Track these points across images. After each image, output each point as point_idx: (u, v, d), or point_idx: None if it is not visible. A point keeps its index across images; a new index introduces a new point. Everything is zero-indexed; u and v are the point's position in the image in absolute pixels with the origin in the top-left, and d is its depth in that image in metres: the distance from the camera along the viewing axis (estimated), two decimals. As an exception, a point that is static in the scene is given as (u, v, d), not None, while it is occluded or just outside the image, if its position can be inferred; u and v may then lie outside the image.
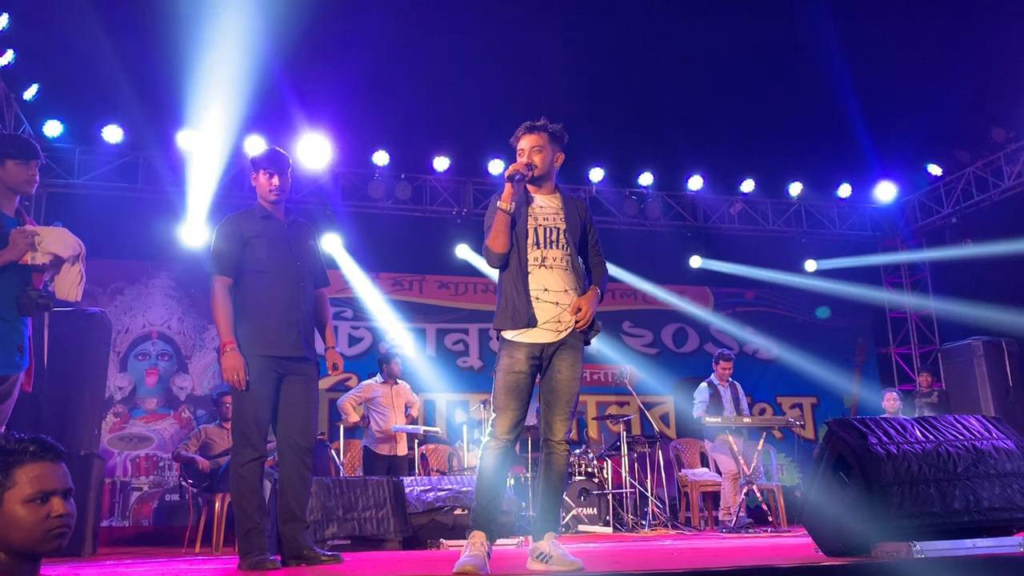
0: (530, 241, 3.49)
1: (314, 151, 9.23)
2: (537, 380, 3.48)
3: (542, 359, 3.42)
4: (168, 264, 9.55)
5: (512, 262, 3.47)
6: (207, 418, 8.93)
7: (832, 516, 3.53)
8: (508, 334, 3.43)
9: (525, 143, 3.55)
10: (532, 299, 3.41)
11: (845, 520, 3.43)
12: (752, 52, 9.02)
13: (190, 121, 8.55)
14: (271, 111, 8.53)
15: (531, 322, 3.37)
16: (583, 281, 3.54)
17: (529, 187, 3.61)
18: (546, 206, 3.58)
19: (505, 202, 3.42)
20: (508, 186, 3.43)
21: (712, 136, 9.98)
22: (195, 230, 8.90)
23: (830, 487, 3.58)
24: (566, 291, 3.46)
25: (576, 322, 3.43)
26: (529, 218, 3.52)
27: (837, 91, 8.82)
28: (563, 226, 3.53)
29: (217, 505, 6.57)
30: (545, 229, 3.51)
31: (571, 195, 3.72)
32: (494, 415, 3.37)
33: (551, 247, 3.49)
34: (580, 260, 3.57)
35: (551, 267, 3.47)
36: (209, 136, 8.51)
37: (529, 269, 3.45)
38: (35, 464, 2.18)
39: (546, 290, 3.44)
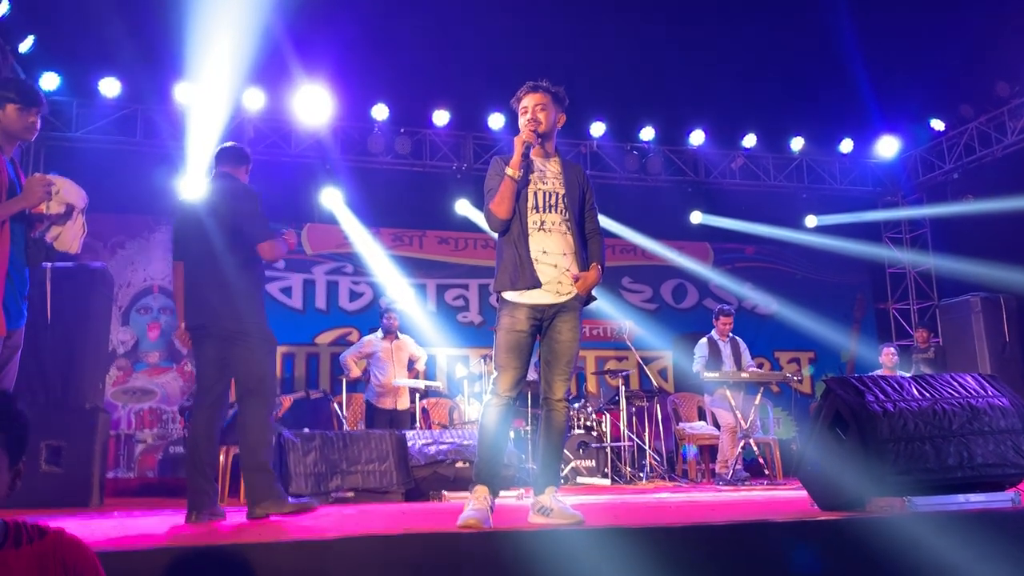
0: (530, 205, 3.51)
1: (313, 104, 9.15)
2: (538, 339, 3.52)
3: (543, 320, 3.45)
4: (169, 218, 9.52)
5: (513, 226, 3.48)
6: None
7: (828, 471, 3.59)
8: (509, 295, 3.46)
9: (529, 101, 3.54)
10: (534, 261, 3.43)
11: (841, 475, 3.49)
12: (754, 3, 8.89)
13: (188, 74, 8.46)
14: (270, 63, 8.43)
15: (535, 283, 3.40)
16: (581, 246, 3.54)
17: (532, 151, 3.59)
18: (546, 170, 3.58)
19: (514, 169, 3.43)
20: (518, 153, 3.43)
21: (714, 90, 9.89)
22: (195, 184, 8.85)
23: (827, 443, 3.63)
24: (564, 254, 3.49)
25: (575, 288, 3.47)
26: (529, 182, 3.52)
27: (840, 44, 8.71)
28: (562, 191, 3.54)
29: (222, 457, 6.65)
30: (545, 193, 3.52)
31: (570, 160, 3.72)
32: (495, 373, 3.41)
33: (550, 211, 3.51)
34: (579, 224, 3.57)
35: (549, 231, 3.49)
36: (208, 89, 8.43)
37: (530, 232, 3.47)
38: None
39: (545, 252, 3.46)
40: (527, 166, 3.52)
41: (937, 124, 10.52)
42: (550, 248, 3.47)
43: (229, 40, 7.74)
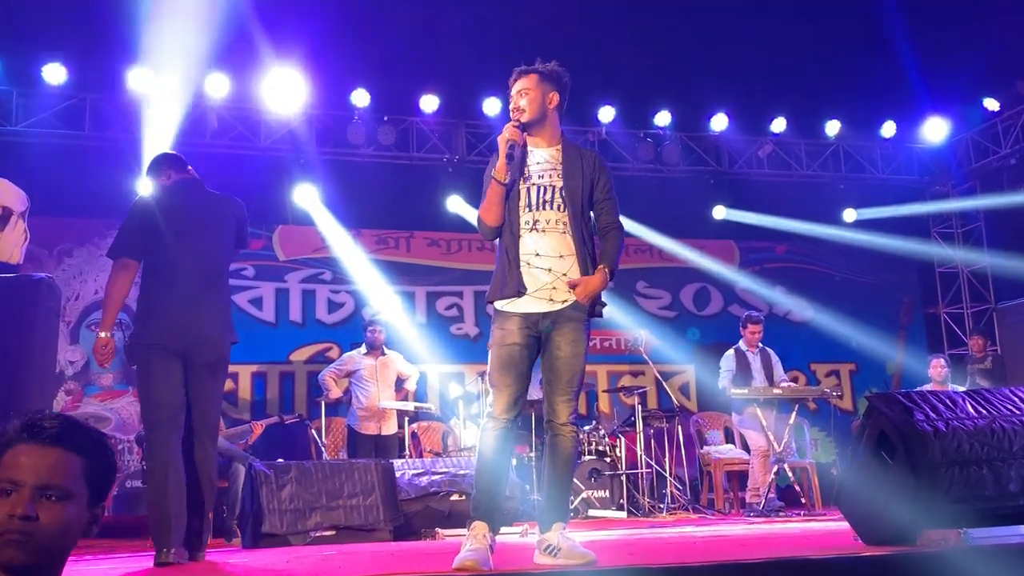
0: (521, 203, 3.51)
1: (285, 91, 9.16)
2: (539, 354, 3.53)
3: (539, 332, 3.45)
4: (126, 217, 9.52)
5: (506, 227, 3.49)
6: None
7: (873, 500, 3.59)
8: (498, 304, 3.48)
9: (515, 87, 3.59)
10: (524, 264, 3.44)
11: (887, 505, 3.48)
12: (783, -29, 8.93)
13: (143, 58, 8.47)
14: (235, 45, 8.44)
15: (520, 290, 3.40)
16: (587, 246, 3.52)
17: (530, 140, 3.60)
18: (542, 161, 3.57)
19: (500, 172, 3.45)
20: (502, 153, 3.45)
21: (738, 69, 9.90)
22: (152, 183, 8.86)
23: (871, 468, 3.63)
24: (561, 256, 3.48)
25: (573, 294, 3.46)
26: (522, 176, 3.52)
27: (880, 14, 8.73)
28: (559, 183, 3.53)
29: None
30: (538, 188, 3.52)
31: (578, 145, 3.71)
32: (491, 394, 3.43)
33: (544, 208, 3.51)
34: (584, 221, 3.55)
35: (543, 231, 3.49)
36: (165, 75, 8.44)
37: (520, 233, 3.48)
38: (20, 447, 1.87)
39: (537, 255, 3.47)
40: (518, 163, 3.53)
41: (991, 104, 10.53)
42: (543, 250, 3.47)
43: (188, 19, 7.75)
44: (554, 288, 3.45)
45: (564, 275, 3.46)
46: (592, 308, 3.53)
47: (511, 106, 3.57)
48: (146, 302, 4.15)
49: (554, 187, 3.53)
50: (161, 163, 4.49)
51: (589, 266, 3.50)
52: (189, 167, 4.48)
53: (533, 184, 3.53)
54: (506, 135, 3.47)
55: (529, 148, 3.60)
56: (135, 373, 4.12)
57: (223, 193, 4.47)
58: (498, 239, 3.56)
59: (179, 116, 8.68)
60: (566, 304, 3.47)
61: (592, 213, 3.62)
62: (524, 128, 3.54)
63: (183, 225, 4.22)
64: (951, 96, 10.49)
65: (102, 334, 4.06)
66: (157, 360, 4.04)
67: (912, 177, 11.45)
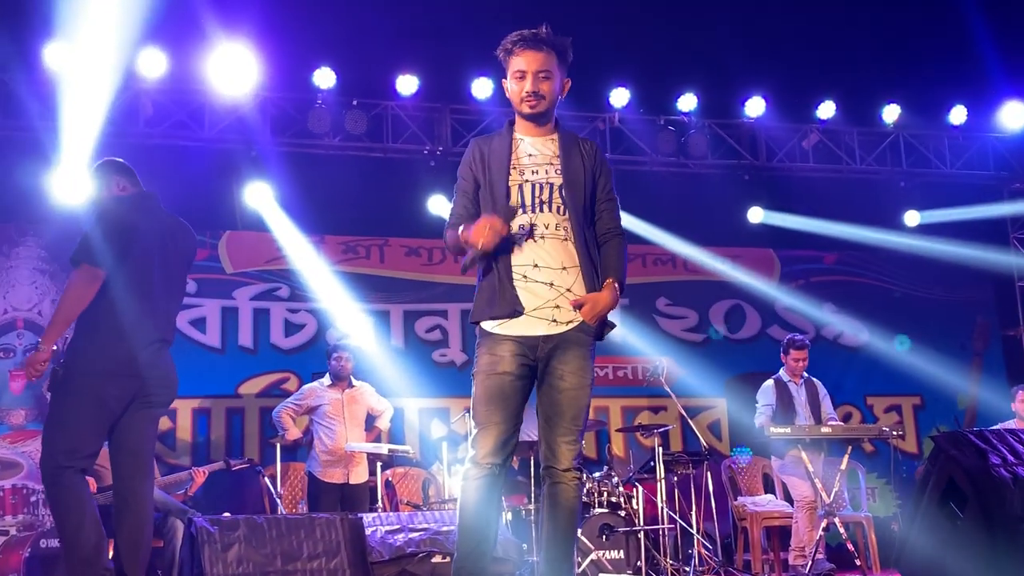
0: (512, 203, 3.49)
1: (233, 70, 9.17)
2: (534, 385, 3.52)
3: (536, 359, 3.44)
4: (37, 227, 9.52)
5: None
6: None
7: (940, 561, 3.58)
8: (488, 324, 3.46)
9: (526, 63, 3.50)
10: (519, 278, 3.43)
11: (958, 567, 3.48)
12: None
13: (61, 31, 8.48)
14: (174, 14, 8.45)
15: (516, 309, 3.39)
16: (592, 255, 3.52)
17: (519, 125, 3.60)
18: (536, 153, 3.57)
19: (465, 267, 3.55)
20: (470, 256, 3.50)
21: (778, 43, 9.93)
22: (73, 180, 8.85)
23: (937, 523, 3.63)
24: (564, 269, 3.48)
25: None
26: (512, 171, 3.51)
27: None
28: (558, 180, 3.52)
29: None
30: (533, 186, 3.52)
31: (574, 133, 3.70)
32: (474, 433, 3.42)
33: (542, 209, 3.50)
34: (587, 226, 3.55)
35: (542, 237, 3.48)
36: (89, 51, 8.43)
37: (513, 240, 3.46)
38: None
39: (536, 267, 3.46)
40: (504, 143, 3.53)
41: (1081, 85, 10.59)
42: (543, 261, 3.47)
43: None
44: (557, 307, 3.45)
45: (568, 291, 3.46)
46: (599, 330, 3.53)
47: (522, 89, 3.51)
48: (101, 321, 4.26)
49: (552, 184, 3.52)
50: (112, 169, 4.71)
51: (595, 280, 3.50)
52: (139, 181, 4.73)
53: (527, 181, 3.52)
54: (479, 246, 3.37)
55: (523, 137, 3.60)
56: (57, 398, 4.18)
57: (176, 217, 4.76)
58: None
59: (107, 100, 8.68)
60: (571, 326, 3.46)
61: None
62: (531, 118, 3.53)
63: (147, 245, 4.44)
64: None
65: (45, 346, 4.17)
66: (103, 391, 4.19)
67: (987, 172, 11.46)
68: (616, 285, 3.51)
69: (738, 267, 11.20)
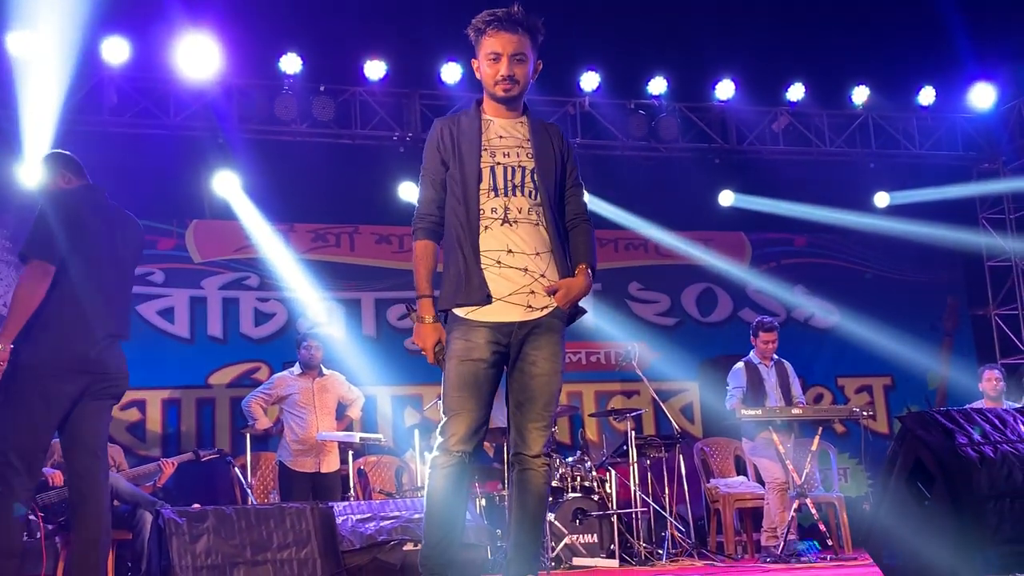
0: (484, 185, 3.47)
1: (198, 55, 9.09)
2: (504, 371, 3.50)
3: (509, 345, 3.42)
4: (1, 217, 9.41)
5: (457, 215, 3.45)
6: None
7: (908, 541, 3.59)
8: (461, 311, 3.42)
9: (501, 45, 3.46)
10: (491, 263, 3.40)
11: (925, 546, 3.49)
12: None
13: (23, 18, 8.38)
14: (136, 0, 8.38)
15: (483, 298, 3.37)
16: (563, 241, 3.51)
17: (488, 106, 3.57)
18: (507, 135, 3.55)
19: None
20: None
21: (747, 25, 9.93)
22: (36, 169, 8.75)
23: (905, 503, 3.64)
24: (537, 253, 3.46)
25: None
26: (483, 152, 3.48)
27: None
28: (530, 164, 3.51)
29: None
30: (505, 169, 3.49)
31: (542, 120, 3.68)
32: (444, 419, 3.38)
33: (515, 193, 3.47)
34: (559, 212, 3.54)
35: (515, 221, 3.45)
36: (51, 38, 8.34)
37: (485, 224, 3.43)
38: None
39: (510, 252, 3.43)
40: (472, 124, 3.53)
41: (1049, 65, 10.63)
42: (517, 246, 3.44)
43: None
44: (532, 292, 3.43)
45: (542, 276, 3.44)
46: (571, 316, 3.52)
47: (496, 72, 3.48)
48: (50, 317, 4.22)
49: (523, 168, 3.50)
50: (59, 162, 4.68)
51: (567, 265, 3.49)
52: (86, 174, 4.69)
53: (498, 163, 3.50)
54: (429, 358, 3.53)
55: (492, 119, 3.57)
56: (4, 395, 4.13)
57: (123, 209, 4.70)
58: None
59: (67, 88, 8.58)
60: (545, 312, 3.44)
61: None
62: (504, 101, 3.51)
63: (96, 239, 4.41)
64: (1002, 57, 10.57)
65: (2, 345, 4.12)
66: (53, 387, 4.15)
67: (956, 153, 11.53)
68: (589, 271, 3.51)
69: (709, 251, 11.20)
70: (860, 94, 10.94)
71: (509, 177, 3.49)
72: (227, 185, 9.82)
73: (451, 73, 9.86)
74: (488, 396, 3.42)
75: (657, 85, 10.48)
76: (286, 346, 9.51)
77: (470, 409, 3.37)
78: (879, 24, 10.19)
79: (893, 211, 11.34)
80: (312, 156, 9.95)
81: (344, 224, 10.53)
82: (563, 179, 3.59)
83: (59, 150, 4.88)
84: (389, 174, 10.21)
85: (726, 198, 11.22)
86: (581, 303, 3.54)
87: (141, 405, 9.33)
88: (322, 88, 9.81)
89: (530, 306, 3.43)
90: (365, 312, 10.40)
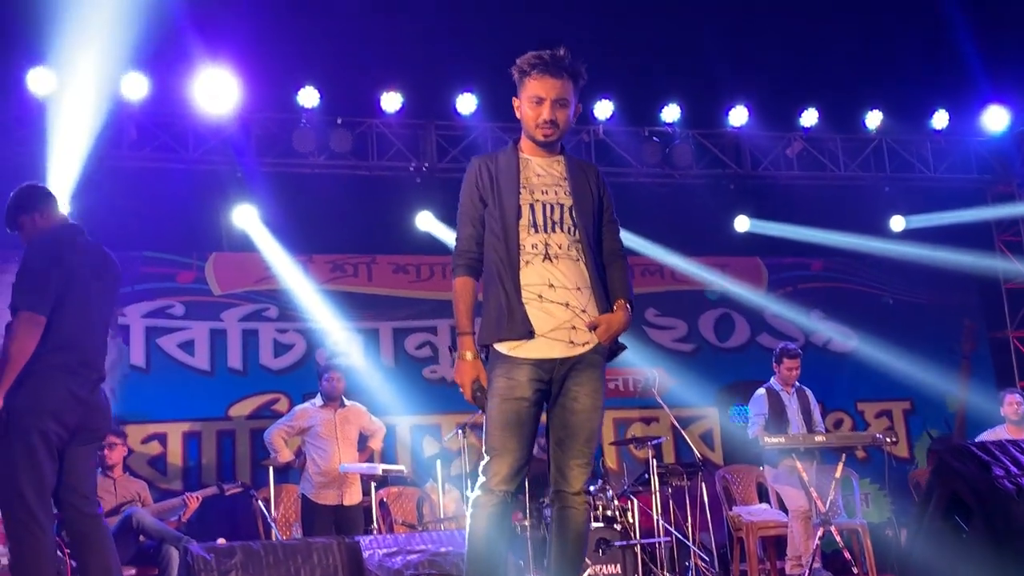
0: (524, 222, 3.49)
1: (218, 91, 9.14)
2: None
3: (551, 381, 3.43)
4: (20, 254, 9.44)
5: (497, 251, 3.47)
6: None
7: (947, 575, 3.57)
8: (503, 347, 3.43)
9: (545, 89, 3.48)
10: (533, 298, 3.42)
11: (964, 581, 3.47)
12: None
13: (46, 57, 8.44)
14: (158, 36, 8.42)
15: (526, 332, 3.38)
16: (601, 276, 3.53)
17: (525, 145, 3.60)
18: (544, 174, 3.58)
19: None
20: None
21: (760, 52, 9.95)
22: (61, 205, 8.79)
23: (942, 538, 3.61)
24: (578, 288, 3.48)
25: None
26: (522, 190, 3.51)
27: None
28: (568, 201, 3.53)
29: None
30: (544, 206, 3.52)
31: (576, 158, 3.72)
32: (486, 458, 3.38)
33: (555, 230, 3.50)
34: (597, 248, 3.56)
35: (556, 257, 3.47)
36: (74, 77, 8.39)
37: (526, 259, 3.46)
38: None
39: (551, 287, 3.45)
40: (511, 163, 3.55)
41: (1062, 87, 10.63)
42: (558, 280, 3.46)
43: (100, 7, 7.74)
44: (573, 328, 3.44)
45: (583, 311, 3.45)
46: (611, 351, 3.53)
47: (539, 115, 3.50)
48: (42, 365, 4.23)
49: (562, 205, 3.53)
50: (33, 198, 4.66)
51: (606, 300, 3.50)
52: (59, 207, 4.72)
53: (537, 200, 3.52)
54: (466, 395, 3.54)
55: (530, 157, 3.60)
56: (7, 444, 4.14)
57: (102, 246, 4.72)
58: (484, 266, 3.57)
59: (91, 124, 8.63)
60: (587, 347, 3.45)
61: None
62: (544, 144, 3.54)
63: (81, 280, 4.40)
64: (1015, 80, 10.58)
65: None
66: (52, 433, 4.18)
67: (970, 176, 11.52)
68: (628, 306, 3.52)
69: (726, 276, 11.21)
70: (874, 119, 10.94)
71: (548, 214, 3.52)
72: (246, 218, 9.88)
73: (466, 104, 9.88)
74: (530, 435, 3.42)
75: (671, 112, 10.49)
76: (305, 377, 9.52)
77: (512, 449, 3.37)
78: (891, 49, 10.20)
79: (909, 235, 11.33)
80: (329, 188, 9.99)
81: (362, 254, 10.55)
82: (600, 216, 3.62)
83: (32, 183, 4.83)
84: (406, 204, 10.27)
85: (742, 223, 11.23)
86: (620, 339, 3.56)
87: (162, 438, 9.32)
88: (339, 120, 9.84)
89: (572, 341, 3.44)
90: (383, 341, 10.41)
